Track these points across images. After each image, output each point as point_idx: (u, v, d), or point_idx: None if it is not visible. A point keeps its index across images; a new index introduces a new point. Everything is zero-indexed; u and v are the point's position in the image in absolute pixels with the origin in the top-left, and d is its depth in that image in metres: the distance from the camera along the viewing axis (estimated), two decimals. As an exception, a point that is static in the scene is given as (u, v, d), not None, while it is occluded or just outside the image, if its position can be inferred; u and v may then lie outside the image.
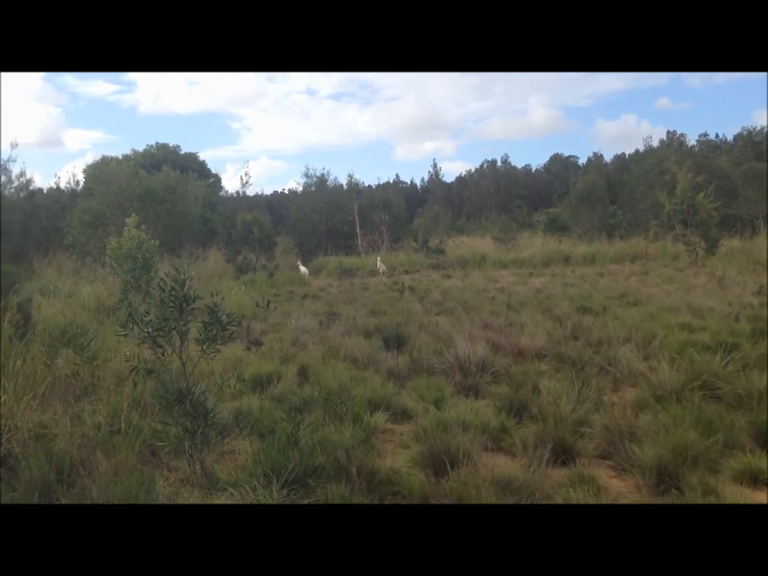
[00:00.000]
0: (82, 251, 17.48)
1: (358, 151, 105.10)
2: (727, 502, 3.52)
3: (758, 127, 41.69)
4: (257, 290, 14.30)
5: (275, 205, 48.73)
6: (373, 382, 5.88)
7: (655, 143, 43.50)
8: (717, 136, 52.43)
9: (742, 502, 3.53)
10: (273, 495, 3.50)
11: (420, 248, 25.68)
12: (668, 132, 50.01)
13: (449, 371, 6.41)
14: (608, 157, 54.85)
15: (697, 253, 19.85)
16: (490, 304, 11.56)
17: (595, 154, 60.38)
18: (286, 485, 3.61)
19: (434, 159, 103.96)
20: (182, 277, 3.89)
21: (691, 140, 47.26)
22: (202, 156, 41.86)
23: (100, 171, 25.74)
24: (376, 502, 3.62)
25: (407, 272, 22.17)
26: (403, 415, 5.32)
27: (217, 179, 39.00)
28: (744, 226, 25.42)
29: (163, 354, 4.04)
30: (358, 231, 29.74)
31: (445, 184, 63.28)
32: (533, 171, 63.13)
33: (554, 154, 63.81)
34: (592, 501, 3.56)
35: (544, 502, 3.56)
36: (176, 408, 3.79)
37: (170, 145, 38.08)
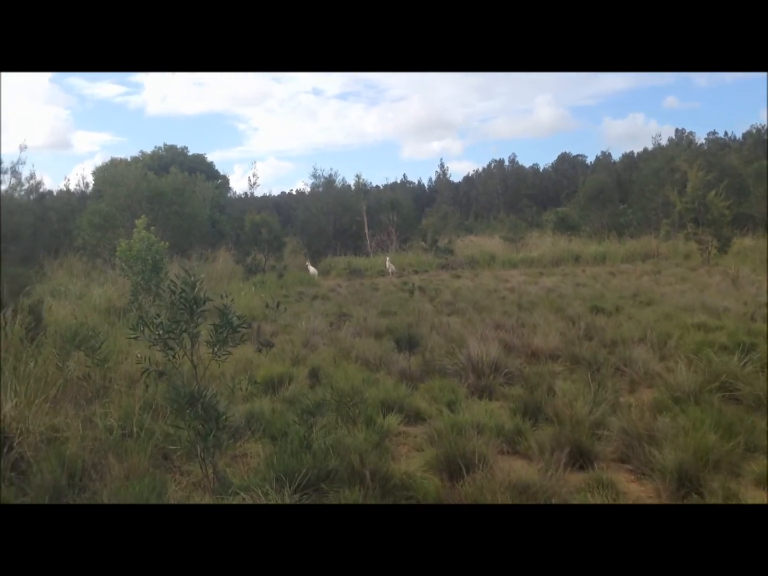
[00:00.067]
0: (93, 253, 17.52)
1: (365, 151, 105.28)
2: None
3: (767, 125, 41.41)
4: (267, 291, 14.28)
5: (283, 205, 48.76)
6: (386, 383, 5.83)
7: (664, 141, 43.19)
8: (726, 134, 52.08)
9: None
10: (285, 500, 3.45)
11: (429, 248, 25.58)
12: (677, 130, 49.71)
13: (462, 372, 6.35)
14: (616, 156, 54.46)
15: (709, 252, 19.69)
16: (501, 304, 11.47)
17: (603, 152, 60.08)
18: (299, 489, 3.56)
19: (441, 159, 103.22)
20: (192, 279, 3.85)
21: (700, 138, 47.00)
22: (209, 157, 42.14)
23: (109, 173, 25.80)
24: (390, 506, 3.57)
25: (416, 272, 22.09)
26: (416, 418, 5.27)
27: (225, 180, 39.05)
28: (756, 225, 25.17)
29: (174, 356, 3.99)
30: (366, 231, 29.69)
31: (452, 183, 63.23)
32: (541, 170, 62.91)
33: (562, 153, 63.63)
34: (610, 506, 3.50)
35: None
36: (188, 411, 3.74)
37: (178, 146, 38.15)
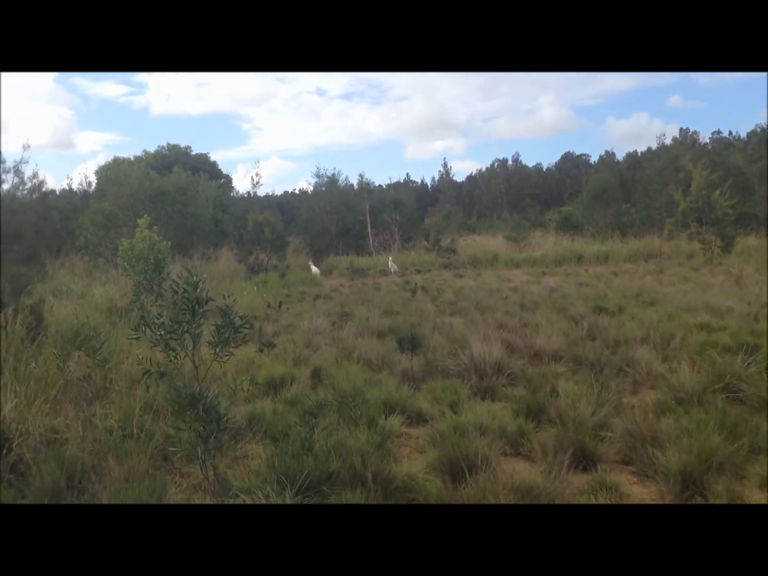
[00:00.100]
0: (95, 252, 17.52)
1: (368, 150, 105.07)
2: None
3: (773, 124, 41.24)
4: (269, 291, 14.27)
5: (286, 205, 48.72)
6: (388, 384, 5.80)
7: (668, 141, 43.07)
8: (730, 133, 51.80)
9: None
10: (286, 502, 3.43)
11: (431, 248, 25.55)
12: (681, 129, 49.62)
13: (464, 373, 6.31)
14: (620, 156, 54.30)
15: (712, 252, 19.64)
16: (504, 304, 11.44)
17: (606, 152, 59.90)
18: (300, 492, 3.53)
19: (444, 158, 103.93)
20: (194, 279, 3.82)
21: (705, 138, 46.80)
22: (212, 157, 42.10)
23: (112, 172, 25.82)
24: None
25: (419, 272, 22.07)
26: (418, 419, 5.24)
27: (228, 180, 39.08)
28: (759, 224, 25.08)
29: (175, 357, 3.97)
30: (369, 231, 29.68)
31: (455, 183, 63.08)
32: (544, 170, 62.77)
33: (565, 153, 63.46)
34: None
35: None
36: (189, 412, 3.72)
37: (181, 146, 38.26)
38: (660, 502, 3.72)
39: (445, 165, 66.39)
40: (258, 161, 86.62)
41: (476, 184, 61.34)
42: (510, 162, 61.20)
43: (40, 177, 24.00)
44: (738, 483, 3.78)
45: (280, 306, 10.30)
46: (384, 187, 43.41)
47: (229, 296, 4.13)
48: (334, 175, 33.17)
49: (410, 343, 6.92)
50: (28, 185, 20.76)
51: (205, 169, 34.15)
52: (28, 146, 20.04)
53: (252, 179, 32.85)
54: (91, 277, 13.63)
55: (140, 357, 4.51)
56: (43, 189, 22.62)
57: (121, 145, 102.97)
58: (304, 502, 3.48)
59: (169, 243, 11.76)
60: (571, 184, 52.17)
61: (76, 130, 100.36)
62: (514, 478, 3.65)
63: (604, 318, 9.07)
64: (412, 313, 10.66)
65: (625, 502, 3.66)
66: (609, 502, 3.55)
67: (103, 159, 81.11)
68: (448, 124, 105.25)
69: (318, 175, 33.57)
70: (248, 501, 3.44)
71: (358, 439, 4.28)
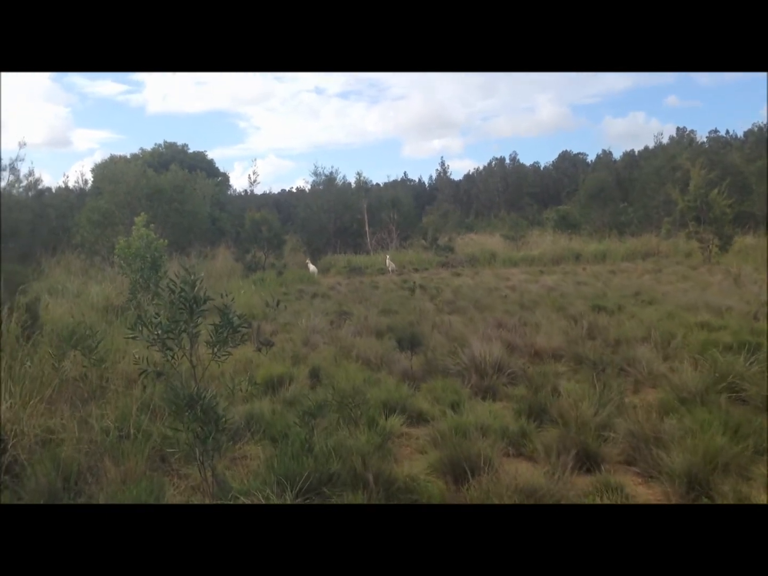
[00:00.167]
0: (91, 251, 17.42)
1: (366, 149, 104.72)
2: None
3: (770, 123, 41.20)
4: (267, 289, 14.21)
5: (283, 203, 48.55)
6: (387, 383, 5.75)
7: (665, 140, 43.06)
8: (727, 132, 51.77)
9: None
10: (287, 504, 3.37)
11: (429, 246, 25.53)
12: (678, 128, 49.51)
13: (465, 372, 6.26)
14: (617, 155, 54.25)
15: (710, 251, 19.64)
16: (503, 303, 11.40)
17: (604, 151, 59.96)
18: (301, 494, 3.48)
19: (442, 157, 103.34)
20: (192, 277, 3.76)
21: (702, 137, 46.74)
22: (210, 155, 41.98)
23: (109, 170, 25.71)
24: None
25: (417, 270, 22.03)
26: (419, 419, 5.19)
27: (226, 178, 38.99)
28: (757, 223, 25.09)
29: (172, 356, 3.91)
30: (366, 229, 29.63)
31: (453, 181, 62.95)
32: (542, 168, 62.69)
33: (563, 152, 63.31)
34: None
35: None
36: (187, 413, 3.65)
37: (178, 144, 38.03)
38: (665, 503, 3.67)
39: (442, 163, 66.11)
40: (255, 159, 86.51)
41: (474, 182, 61.23)
42: (507, 161, 61.13)
43: (36, 175, 23.92)
44: (744, 484, 3.72)
45: (277, 304, 10.28)
46: (382, 185, 43.49)
47: (227, 295, 4.06)
48: (331, 173, 33.16)
49: (410, 342, 6.86)
50: (24, 183, 20.66)
51: (202, 167, 34.02)
52: (24, 144, 19.97)
53: (249, 177, 32.78)
54: (88, 275, 13.55)
55: (137, 356, 4.44)
56: (39, 187, 22.50)
57: (117, 143, 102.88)
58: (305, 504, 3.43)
59: (166, 241, 11.67)
60: (569, 182, 52.11)
61: (72, 127, 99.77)
62: (518, 479, 3.60)
63: (604, 317, 9.02)
64: (410, 311, 10.61)
65: (630, 503, 3.61)
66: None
67: (99, 157, 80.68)
68: (446, 123, 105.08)
69: (316, 174, 33.59)
70: (248, 503, 3.39)
71: (359, 439, 4.23)
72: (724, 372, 5.59)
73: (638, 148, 61.23)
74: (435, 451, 4.31)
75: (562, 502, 3.48)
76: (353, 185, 33.45)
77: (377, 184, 42.74)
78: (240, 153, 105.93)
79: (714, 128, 59.04)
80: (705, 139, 44.74)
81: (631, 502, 3.65)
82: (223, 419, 3.69)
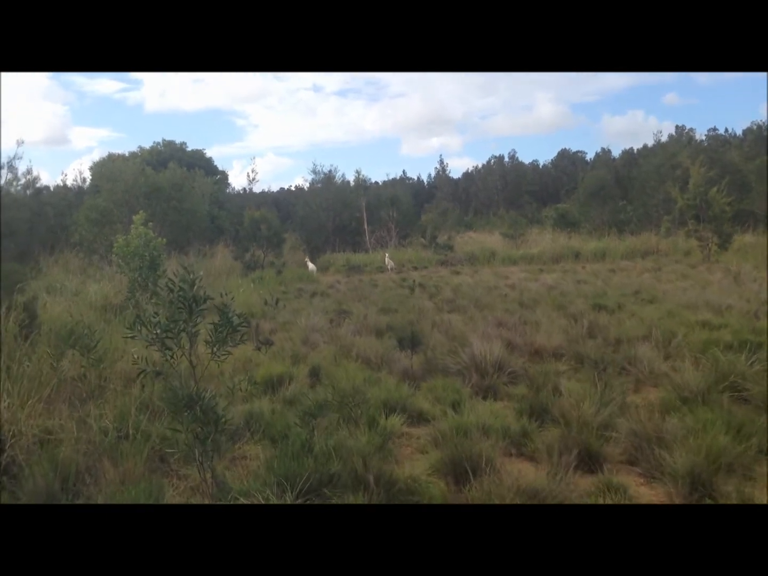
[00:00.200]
0: (89, 249, 17.36)
1: (365, 147, 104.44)
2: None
3: (768, 122, 41.15)
4: (266, 288, 14.17)
5: (282, 201, 48.47)
6: (388, 383, 5.71)
7: (664, 138, 42.99)
8: (726, 130, 51.70)
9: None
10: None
11: (428, 244, 25.49)
12: (677, 127, 49.39)
13: (465, 372, 6.23)
14: (616, 153, 54.16)
15: (709, 249, 19.62)
16: (503, 302, 11.36)
17: (603, 149, 59.77)
18: (301, 495, 3.45)
19: (441, 155, 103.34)
20: (191, 276, 3.72)
21: (701, 135, 46.68)
22: (208, 153, 41.99)
23: (107, 168, 25.64)
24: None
25: (416, 269, 21.99)
26: (419, 418, 5.15)
27: (224, 176, 38.95)
28: (757, 222, 25.08)
29: (171, 356, 3.87)
30: (365, 227, 29.61)
31: (451, 180, 62.85)
32: (541, 167, 62.61)
33: (562, 150, 63.18)
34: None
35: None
36: (186, 413, 3.62)
37: (176, 142, 38.01)
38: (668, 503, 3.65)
39: (441, 162, 66.23)
40: (254, 158, 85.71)
41: (473, 180, 61.15)
42: (506, 159, 61.06)
43: (34, 173, 23.84)
44: (748, 484, 3.71)
45: (277, 303, 10.24)
46: (380, 183, 43.43)
47: (226, 294, 4.03)
48: (330, 171, 33.16)
49: (410, 341, 6.83)
50: (23, 181, 20.64)
51: (200, 165, 33.98)
52: (22, 142, 19.92)
53: (248, 176, 32.53)
54: (86, 274, 13.51)
55: (136, 356, 4.40)
56: (37, 185, 22.48)
57: (116, 141, 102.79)
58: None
59: (165, 240, 11.62)
60: (568, 181, 52.03)
61: (70, 125, 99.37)
62: (520, 480, 3.57)
63: (604, 315, 9.00)
64: (410, 310, 10.58)
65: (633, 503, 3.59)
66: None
67: (97, 155, 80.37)
68: (445, 121, 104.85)
69: (314, 172, 33.58)
70: (247, 503, 3.36)
71: (359, 439, 4.20)
72: (726, 371, 5.57)
73: (637, 146, 61.05)
74: (436, 451, 4.29)
75: (565, 503, 3.45)
76: (352, 183, 33.48)
77: (376, 183, 42.72)
78: (238, 151, 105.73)
79: (713, 126, 58.92)
80: (704, 138, 44.73)
81: (634, 502, 3.62)
82: (223, 419, 3.66)
